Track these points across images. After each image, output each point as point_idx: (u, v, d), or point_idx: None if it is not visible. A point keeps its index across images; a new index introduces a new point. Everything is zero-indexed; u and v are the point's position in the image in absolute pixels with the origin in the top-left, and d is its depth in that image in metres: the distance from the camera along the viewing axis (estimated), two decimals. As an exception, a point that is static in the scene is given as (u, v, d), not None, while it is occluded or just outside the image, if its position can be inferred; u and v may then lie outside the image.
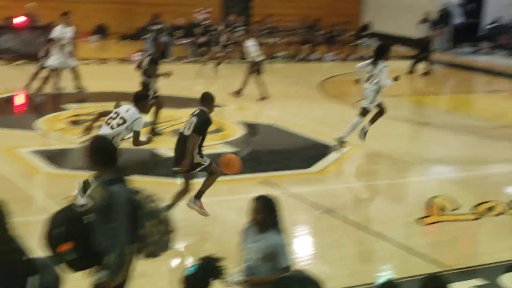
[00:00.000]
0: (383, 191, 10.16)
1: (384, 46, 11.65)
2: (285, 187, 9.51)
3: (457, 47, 25.29)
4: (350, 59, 22.71)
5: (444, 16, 24.59)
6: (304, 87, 17.16)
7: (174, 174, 8.16)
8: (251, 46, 15.17)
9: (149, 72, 11.47)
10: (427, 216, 8.78)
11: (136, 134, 7.85)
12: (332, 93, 16.86)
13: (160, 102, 11.61)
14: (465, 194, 9.81)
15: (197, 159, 7.75)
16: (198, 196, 7.99)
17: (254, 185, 9.48)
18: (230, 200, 9.04)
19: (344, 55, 23.10)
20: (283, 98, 15.54)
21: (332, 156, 11.27)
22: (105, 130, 7.76)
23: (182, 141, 7.76)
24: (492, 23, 25.51)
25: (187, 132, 7.70)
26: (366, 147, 12.00)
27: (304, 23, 23.17)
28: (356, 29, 24.65)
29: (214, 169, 7.94)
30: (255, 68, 15.18)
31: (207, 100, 7.88)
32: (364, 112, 11.53)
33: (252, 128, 13.18)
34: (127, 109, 7.90)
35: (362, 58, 22.57)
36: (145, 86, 11.34)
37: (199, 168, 7.82)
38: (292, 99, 15.78)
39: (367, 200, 9.93)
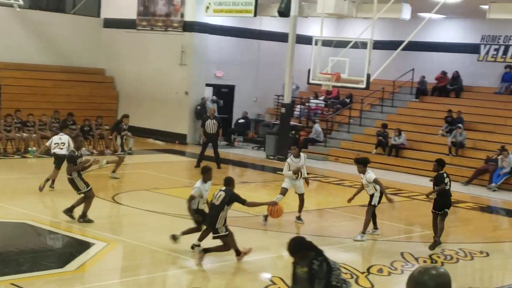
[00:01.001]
0: (144, 286, 10.06)
1: None
2: (40, 288, 9.03)
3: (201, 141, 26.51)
4: (107, 153, 22.68)
5: (201, 111, 25.75)
6: (60, 182, 16.70)
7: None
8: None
9: None
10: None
11: None
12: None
13: None
14: (222, 284, 10.05)
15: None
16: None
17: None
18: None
19: (100, 149, 22.99)
20: (35, 194, 14.95)
21: (90, 253, 10.98)
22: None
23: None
24: (242, 118, 27.23)
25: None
26: (124, 242, 11.89)
27: (56, 117, 22.76)
28: (112, 123, 24.74)
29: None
30: None
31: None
32: None
33: (1, 227, 12.44)
34: None
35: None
36: None
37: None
38: (46, 195, 15.25)
39: (127, 296, 9.76)
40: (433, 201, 13.07)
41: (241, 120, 27.43)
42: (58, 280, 9.77)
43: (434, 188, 12.96)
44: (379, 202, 13.36)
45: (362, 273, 10.86)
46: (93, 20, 28.11)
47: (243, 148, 26.16)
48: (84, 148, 22.19)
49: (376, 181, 13.10)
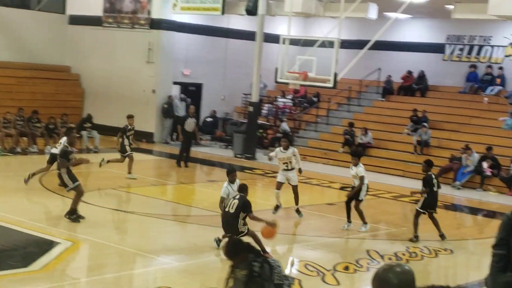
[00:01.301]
0: (110, 285, 10.00)
1: None
2: None
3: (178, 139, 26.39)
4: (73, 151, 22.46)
5: (168, 109, 25.68)
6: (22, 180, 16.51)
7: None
8: None
9: None
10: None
11: None
12: (52, 186, 16.41)
13: None
14: (189, 282, 10.05)
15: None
16: None
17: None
18: None
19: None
20: (5, 192, 14.76)
21: (55, 252, 10.87)
22: None
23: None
24: (210, 116, 27.20)
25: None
26: (90, 241, 11.81)
27: (21, 115, 22.47)
28: (78, 121, 24.53)
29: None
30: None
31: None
32: None
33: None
34: None
35: (86, 150, 22.65)
36: None
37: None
38: (11, 193, 15.06)
39: (93, 295, 9.69)
40: (420, 200, 13.48)
41: (209, 119, 27.39)
42: (23, 279, 9.67)
43: (422, 189, 13.31)
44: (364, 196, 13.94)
45: (329, 270, 10.94)
46: (58, 16, 27.81)
47: (210, 146, 26.12)
48: (49, 146, 22.10)
49: (362, 178, 13.72)
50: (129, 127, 18.31)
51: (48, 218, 13.04)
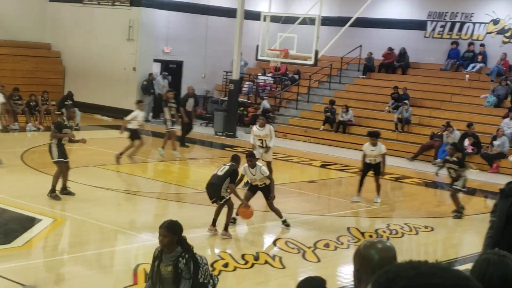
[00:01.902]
0: (91, 262, 10.01)
1: None
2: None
3: (159, 117, 26.34)
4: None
5: (148, 86, 25.55)
6: (5, 158, 16.40)
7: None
8: None
9: None
10: (134, 285, 8.84)
11: None
12: (34, 164, 16.34)
13: None
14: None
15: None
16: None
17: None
18: None
19: (47, 124, 22.63)
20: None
21: (37, 229, 10.86)
22: None
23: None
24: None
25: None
26: (72, 218, 11.80)
27: (2, 92, 22.24)
28: (59, 98, 24.35)
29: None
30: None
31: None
32: None
33: None
34: None
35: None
36: None
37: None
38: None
39: (74, 272, 9.70)
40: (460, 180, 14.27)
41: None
42: (5, 256, 9.65)
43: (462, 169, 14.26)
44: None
45: (309, 247, 11.03)
46: (38, -7, 27.47)
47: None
48: (30, 124, 21.96)
49: (385, 154, 14.70)
50: (170, 100, 18.75)
51: (30, 195, 12.99)
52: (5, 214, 11.86)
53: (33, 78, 25.74)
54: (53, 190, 12.78)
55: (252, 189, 11.95)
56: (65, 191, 13.00)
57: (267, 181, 11.87)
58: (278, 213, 12.11)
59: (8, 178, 14.40)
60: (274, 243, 11.45)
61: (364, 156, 14.76)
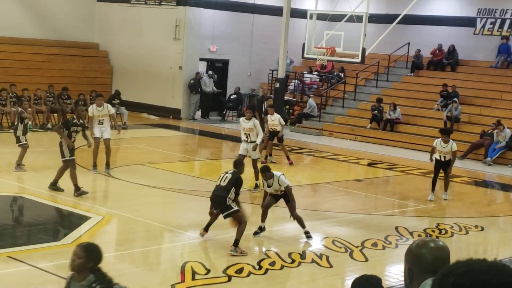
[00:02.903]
0: (139, 259, 10.08)
1: None
2: (34, 262, 9.03)
3: (206, 115, 26.48)
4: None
5: (195, 84, 25.68)
6: (54, 156, 16.66)
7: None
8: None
9: None
10: (181, 282, 8.85)
11: None
12: (83, 162, 16.54)
13: None
14: (217, 257, 10.09)
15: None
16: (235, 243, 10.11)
17: (0, 262, 8.87)
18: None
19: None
20: (32, 169, 14.91)
21: (84, 227, 10.98)
22: None
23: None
24: (234, 93, 27.13)
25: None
26: (119, 216, 11.91)
27: (51, 91, 22.64)
28: (106, 97, 24.63)
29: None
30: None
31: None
32: None
33: (-3, 201, 12.43)
34: None
35: (113, 126, 22.76)
36: None
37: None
38: (42, 169, 15.21)
39: (122, 269, 9.76)
40: None
41: (233, 96, 27.29)
42: (55, 253, 9.78)
43: None
44: None
45: (357, 247, 10.90)
46: (86, -7, 27.86)
47: (236, 123, 26.07)
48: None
49: (455, 152, 14.75)
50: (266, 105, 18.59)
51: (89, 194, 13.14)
52: (55, 211, 12.02)
53: (81, 78, 26.11)
54: (77, 188, 12.84)
55: (274, 195, 11.27)
56: (54, 186, 13.02)
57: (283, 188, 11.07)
58: (301, 222, 11.12)
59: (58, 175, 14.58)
60: (321, 242, 11.35)
61: (433, 151, 14.76)
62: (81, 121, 13.34)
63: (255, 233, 11.07)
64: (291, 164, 17.75)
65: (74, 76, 25.96)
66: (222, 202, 10.26)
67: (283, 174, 11.29)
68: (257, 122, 14.90)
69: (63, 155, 12.98)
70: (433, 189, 14.80)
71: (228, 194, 10.21)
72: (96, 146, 15.31)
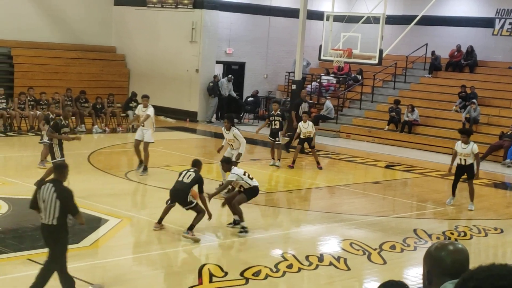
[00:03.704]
0: (156, 262, 10.09)
1: None
2: (53, 264, 9.06)
3: (222, 118, 26.46)
4: (119, 131, 22.74)
5: (213, 87, 25.70)
6: (73, 159, 16.75)
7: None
8: None
9: None
10: (199, 285, 8.85)
11: None
12: (100, 165, 16.62)
13: None
14: (235, 260, 10.07)
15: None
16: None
17: (18, 264, 8.92)
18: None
19: (112, 126, 23.03)
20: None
21: (103, 229, 11.02)
22: None
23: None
24: (251, 96, 27.14)
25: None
26: (137, 218, 11.93)
27: (69, 95, 22.76)
28: (123, 100, 24.75)
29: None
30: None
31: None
32: None
33: (16, 204, 12.50)
34: None
35: (131, 130, 22.85)
36: None
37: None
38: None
39: (140, 271, 9.79)
40: None
41: (250, 98, 27.29)
42: (73, 255, 9.78)
43: None
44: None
45: (375, 249, 10.84)
46: (103, -3, 28.01)
47: (253, 125, 26.09)
48: (96, 126, 22.39)
49: (478, 154, 13.99)
50: (273, 112, 18.38)
51: (97, 196, 13.20)
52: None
53: (99, 81, 26.26)
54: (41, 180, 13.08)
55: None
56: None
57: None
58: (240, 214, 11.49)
59: (76, 179, 14.62)
60: (339, 244, 11.30)
61: (454, 156, 14.17)
62: (67, 122, 13.67)
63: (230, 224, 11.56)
64: (320, 168, 17.76)
65: (92, 79, 26.11)
66: (183, 197, 10.86)
67: (246, 173, 11.53)
68: (237, 132, 14.42)
69: (53, 157, 13.21)
70: (453, 193, 14.40)
71: (189, 189, 10.83)
72: (136, 147, 15.76)
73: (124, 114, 23.57)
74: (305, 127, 17.86)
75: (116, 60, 27.99)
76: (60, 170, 8.06)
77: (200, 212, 10.89)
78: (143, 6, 27.02)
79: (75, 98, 22.75)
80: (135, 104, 23.56)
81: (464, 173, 14.12)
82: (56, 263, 7.78)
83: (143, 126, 15.75)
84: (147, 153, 15.68)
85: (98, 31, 27.54)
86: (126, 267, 9.77)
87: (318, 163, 17.94)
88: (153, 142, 15.87)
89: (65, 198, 7.72)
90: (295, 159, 17.84)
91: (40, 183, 8.06)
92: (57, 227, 7.67)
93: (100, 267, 9.35)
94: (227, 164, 11.98)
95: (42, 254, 9.69)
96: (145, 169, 15.59)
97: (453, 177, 14.51)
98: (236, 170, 11.55)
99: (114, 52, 28.16)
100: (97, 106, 22.94)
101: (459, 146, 14.03)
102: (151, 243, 10.89)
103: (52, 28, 26.38)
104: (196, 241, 10.70)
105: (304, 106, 20.31)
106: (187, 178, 10.94)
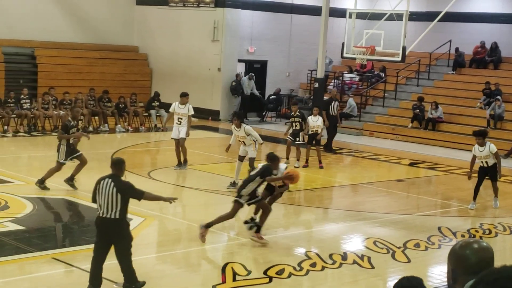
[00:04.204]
0: (180, 260, 10.11)
1: None
2: (79, 263, 9.13)
3: (245, 117, 26.46)
4: (141, 130, 22.85)
5: (236, 87, 25.72)
6: (96, 159, 16.84)
7: None
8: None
9: None
10: (222, 283, 8.85)
11: None
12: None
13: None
14: (258, 258, 10.06)
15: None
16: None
17: (45, 263, 8.99)
18: (19, 281, 8.48)
19: (135, 126, 23.14)
20: (71, 170, 15.06)
21: (126, 228, 11.06)
22: None
23: None
24: (273, 94, 27.11)
25: None
26: (160, 217, 11.97)
27: (92, 95, 22.90)
28: (146, 100, 24.85)
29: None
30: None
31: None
32: None
33: (41, 203, 12.61)
34: None
35: (154, 129, 22.97)
36: None
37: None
38: (84, 171, 15.36)
39: (164, 270, 9.82)
40: None
41: (272, 96, 27.25)
42: (96, 255, 9.86)
43: None
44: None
45: (399, 248, 10.77)
46: (126, -3, 28.15)
47: (275, 123, 26.07)
48: (119, 125, 22.51)
49: (497, 153, 13.62)
50: (292, 113, 18.03)
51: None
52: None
53: (121, 81, 26.39)
54: (42, 182, 13.30)
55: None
56: (42, 184, 13.32)
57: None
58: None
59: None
60: (363, 242, 11.25)
61: (474, 159, 13.75)
62: (76, 122, 13.73)
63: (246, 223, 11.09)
64: (321, 168, 17.49)
65: (114, 79, 26.25)
66: (241, 187, 10.68)
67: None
68: (248, 127, 14.43)
69: (59, 157, 13.41)
70: (474, 197, 13.89)
71: (249, 182, 10.49)
72: (176, 146, 16.17)
73: (146, 114, 23.67)
74: (315, 121, 17.54)
75: (138, 59, 28.11)
76: (119, 165, 8.43)
77: (265, 209, 10.71)
78: (165, 5, 27.11)
79: (98, 97, 22.88)
80: (157, 103, 23.66)
81: (488, 174, 13.75)
82: (125, 255, 8.24)
83: (179, 124, 15.98)
84: (185, 148, 16.14)
85: (120, 31, 27.68)
86: (149, 266, 9.80)
87: (319, 161, 17.55)
88: (186, 138, 16.19)
89: (126, 190, 8.21)
90: (308, 158, 17.67)
91: (99, 179, 8.26)
92: (118, 220, 8.10)
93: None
94: (275, 161, 11.05)
95: (66, 253, 9.76)
96: (185, 162, 16.13)
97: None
98: (282, 166, 11.33)
99: (137, 52, 28.29)
100: (120, 105, 23.06)
101: (476, 149, 13.57)
102: (175, 242, 10.92)
103: (75, 28, 26.56)
104: (264, 244, 10.50)
105: (335, 105, 20.16)
106: (253, 171, 10.87)
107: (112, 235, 8.17)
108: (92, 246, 9.53)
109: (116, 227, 8.12)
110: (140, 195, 8.42)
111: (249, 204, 10.74)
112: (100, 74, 26.05)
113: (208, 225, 10.51)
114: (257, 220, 10.97)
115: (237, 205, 10.64)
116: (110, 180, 8.14)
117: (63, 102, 22.09)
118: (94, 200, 8.32)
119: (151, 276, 9.02)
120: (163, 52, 27.52)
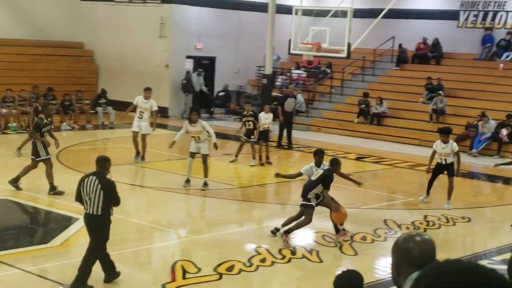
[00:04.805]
0: (130, 259, 10.08)
1: None
2: (23, 265, 9.02)
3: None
4: (88, 128, 22.60)
5: (187, 84, 25.63)
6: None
7: None
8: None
9: None
10: (172, 281, 8.87)
11: None
12: (70, 163, 16.51)
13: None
14: (208, 255, 10.12)
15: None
16: None
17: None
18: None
19: (81, 123, 22.87)
20: (16, 170, 14.83)
21: (74, 228, 10.97)
22: None
23: None
24: (222, 90, 27.15)
25: None
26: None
27: (36, 92, 22.52)
28: (93, 97, 24.58)
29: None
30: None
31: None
32: None
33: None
34: None
35: (101, 126, 22.75)
36: None
37: None
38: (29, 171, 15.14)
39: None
40: None
41: (221, 93, 27.30)
42: (44, 255, 9.77)
43: None
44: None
45: (346, 241, 10.96)
46: (70, -7, 27.75)
47: (224, 120, 26.12)
48: (65, 123, 22.21)
49: (458, 152, 13.76)
50: (245, 112, 17.90)
51: (67, 194, 13.11)
52: (42, 214, 11.99)
53: (67, 78, 26.02)
54: (53, 188, 12.95)
55: None
56: (55, 190, 13.02)
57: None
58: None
59: (45, 178, 14.54)
60: (312, 237, 11.41)
61: (432, 156, 13.84)
62: (49, 119, 13.40)
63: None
64: (269, 163, 17.58)
65: (60, 76, 25.86)
66: (305, 192, 10.72)
67: None
68: (204, 123, 14.28)
69: (38, 155, 13.04)
70: (428, 191, 14.04)
71: (312, 188, 10.59)
72: (134, 138, 16.56)
73: (93, 111, 23.42)
74: (266, 118, 17.61)
75: (84, 56, 27.77)
76: (102, 163, 8.58)
77: (306, 217, 10.60)
78: (110, 1, 26.84)
79: (43, 95, 22.51)
80: (104, 100, 23.43)
81: (443, 171, 13.85)
82: (96, 251, 8.39)
83: (141, 118, 16.23)
84: (145, 143, 16.49)
85: (65, 27, 27.29)
86: (98, 265, 9.75)
87: (267, 157, 17.71)
88: (149, 134, 16.63)
89: (109, 189, 8.33)
90: (261, 155, 17.77)
91: (82, 177, 8.27)
92: (101, 216, 8.29)
93: (72, 266, 9.30)
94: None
95: (12, 255, 9.62)
96: (143, 158, 16.51)
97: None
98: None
99: (82, 48, 27.94)
100: (65, 103, 22.76)
101: (438, 146, 13.65)
102: (124, 240, 10.87)
103: (18, 24, 26.08)
104: (292, 250, 10.39)
105: (290, 101, 20.33)
106: (315, 176, 10.77)
107: (92, 231, 8.40)
108: (36, 247, 9.47)
109: (98, 223, 8.31)
110: (117, 201, 8.51)
111: (316, 205, 10.74)
112: (44, 71, 25.64)
113: (287, 232, 10.56)
114: (281, 227, 10.85)
115: (311, 209, 10.64)
116: (94, 177, 8.31)
117: (5, 99, 21.69)
118: (77, 199, 8.48)
119: (101, 276, 8.97)
120: (109, 48, 27.25)
